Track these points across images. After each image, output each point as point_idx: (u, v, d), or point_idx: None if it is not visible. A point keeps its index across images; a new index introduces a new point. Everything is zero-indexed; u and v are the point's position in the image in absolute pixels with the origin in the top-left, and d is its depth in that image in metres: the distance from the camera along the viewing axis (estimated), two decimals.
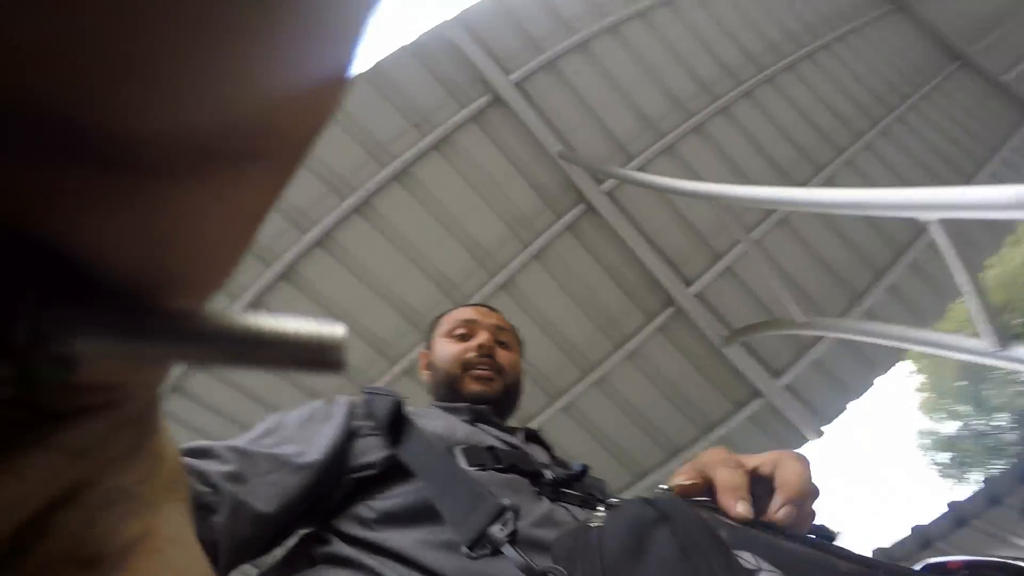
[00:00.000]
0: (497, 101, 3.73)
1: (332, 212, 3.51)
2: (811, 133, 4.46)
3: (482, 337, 1.21)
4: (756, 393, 4.08)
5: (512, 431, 1.09)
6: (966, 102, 5.07)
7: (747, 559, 0.49)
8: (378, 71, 3.47)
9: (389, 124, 3.56)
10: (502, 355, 1.22)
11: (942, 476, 17.60)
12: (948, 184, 4.31)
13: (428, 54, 3.59)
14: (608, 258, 3.93)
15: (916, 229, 4.26)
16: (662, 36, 4.15)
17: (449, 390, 1.17)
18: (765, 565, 0.48)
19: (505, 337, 1.27)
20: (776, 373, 4.07)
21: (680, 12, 4.22)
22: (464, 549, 0.67)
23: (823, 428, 4.13)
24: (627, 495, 4.22)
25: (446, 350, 1.20)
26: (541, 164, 3.83)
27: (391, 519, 0.77)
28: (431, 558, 0.68)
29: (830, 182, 4.38)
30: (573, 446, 4.09)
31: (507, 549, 0.65)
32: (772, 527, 0.55)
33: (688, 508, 0.57)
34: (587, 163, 3.81)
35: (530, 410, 4.02)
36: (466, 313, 1.29)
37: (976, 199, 1.65)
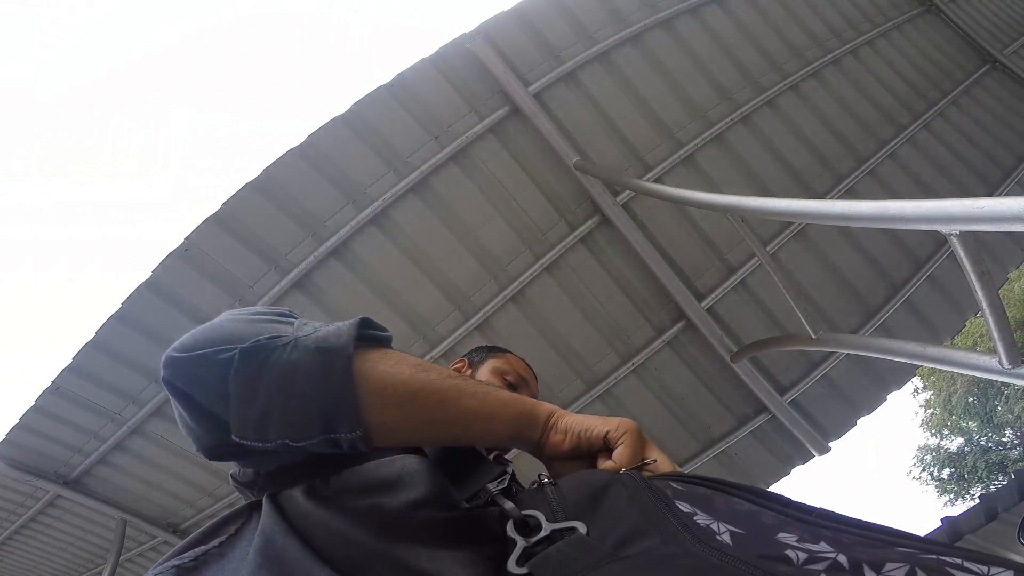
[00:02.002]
0: (515, 112, 3.72)
1: (349, 222, 3.54)
2: (833, 142, 4.39)
3: None
4: (762, 408, 4.10)
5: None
6: (995, 107, 4.94)
7: (686, 507, 0.59)
8: (399, 82, 3.46)
9: (409, 136, 3.58)
10: None
11: (940, 492, 17.63)
12: (973, 194, 4.27)
13: (448, 65, 3.57)
14: (620, 271, 3.94)
15: (937, 241, 4.22)
16: (684, 44, 4.08)
17: None
18: (700, 512, 0.58)
19: None
20: (784, 389, 4.09)
21: (703, 19, 4.14)
22: (464, 504, 0.71)
23: (831, 444, 4.15)
24: None
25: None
26: (557, 175, 3.82)
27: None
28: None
29: (851, 192, 4.32)
30: None
31: (500, 499, 0.70)
32: (720, 486, 0.64)
33: (635, 472, 0.68)
34: (604, 174, 3.79)
35: None
36: (522, 370, 1.39)
37: (1000, 211, 1.59)
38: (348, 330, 0.69)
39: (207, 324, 0.76)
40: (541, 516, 0.62)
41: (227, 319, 0.77)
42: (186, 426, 0.73)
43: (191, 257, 3.41)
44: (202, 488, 4.32)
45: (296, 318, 0.78)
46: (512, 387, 1.31)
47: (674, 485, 0.65)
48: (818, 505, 0.59)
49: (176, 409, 0.73)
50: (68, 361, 3.59)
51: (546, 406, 0.78)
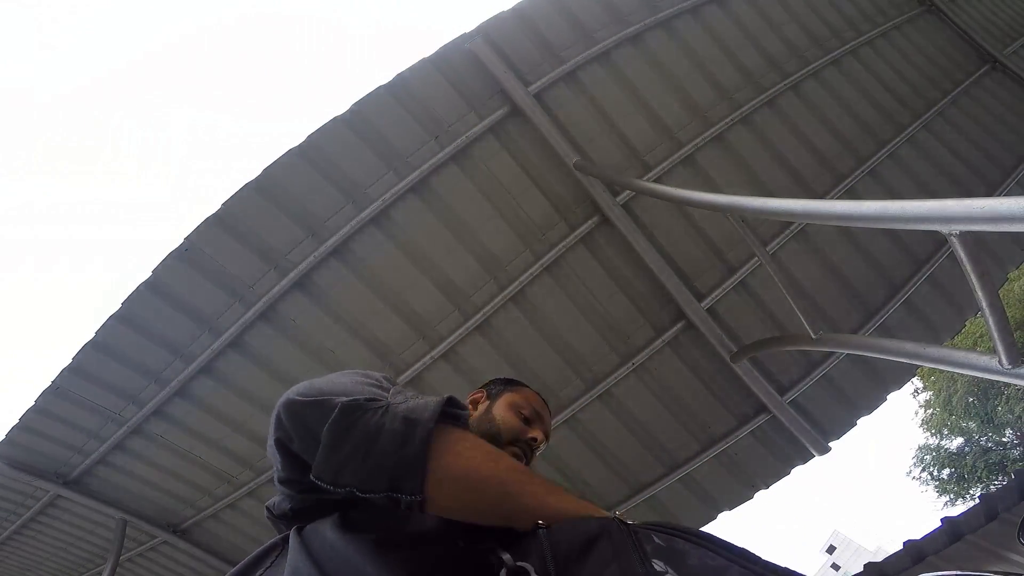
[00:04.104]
0: (515, 112, 3.72)
1: (349, 222, 3.54)
2: (833, 142, 4.39)
3: (538, 433, 1.38)
4: (762, 408, 4.10)
5: None
6: (995, 107, 4.94)
7: (660, 565, 0.67)
8: (399, 82, 3.46)
9: (409, 136, 3.58)
10: (536, 454, 1.40)
11: (940, 492, 17.64)
12: (973, 194, 4.28)
13: (448, 65, 3.57)
14: (620, 271, 3.94)
15: (937, 241, 4.22)
16: (684, 44, 4.08)
17: (486, 440, 1.29)
18: (671, 572, 0.66)
19: (545, 444, 1.44)
20: (784, 389, 4.09)
21: (703, 19, 4.14)
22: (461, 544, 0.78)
23: (831, 444, 4.15)
24: (625, 508, 4.33)
25: (509, 420, 1.37)
26: (557, 175, 3.82)
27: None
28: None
29: (851, 192, 4.33)
30: (573, 459, 4.18)
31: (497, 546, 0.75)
32: (699, 540, 0.72)
33: (623, 526, 0.74)
34: (604, 174, 3.79)
35: None
36: (537, 404, 1.46)
37: (1000, 211, 1.59)
38: (434, 407, 0.80)
39: (324, 377, 0.91)
40: (531, 569, 0.67)
41: (340, 376, 0.92)
42: (274, 455, 0.88)
43: (191, 257, 3.41)
44: (202, 488, 4.33)
45: (393, 385, 0.91)
46: (527, 421, 1.39)
47: (656, 539, 0.71)
48: (786, 565, 0.67)
49: (271, 439, 0.88)
50: (68, 361, 3.59)
51: (603, 512, 0.80)
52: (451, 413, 0.82)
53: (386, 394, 0.84)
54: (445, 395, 0.83)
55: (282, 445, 0.86)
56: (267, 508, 0.93)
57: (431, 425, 0.77)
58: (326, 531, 0.76)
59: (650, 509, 4.44)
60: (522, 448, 1.34)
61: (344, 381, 0.87)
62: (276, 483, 0.89)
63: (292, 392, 0.87)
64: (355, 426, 0.78)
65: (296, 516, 0.86)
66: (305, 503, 0.86)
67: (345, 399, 0.80)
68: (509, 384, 1.51)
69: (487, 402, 1.45)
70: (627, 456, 4.27)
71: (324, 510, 0.81)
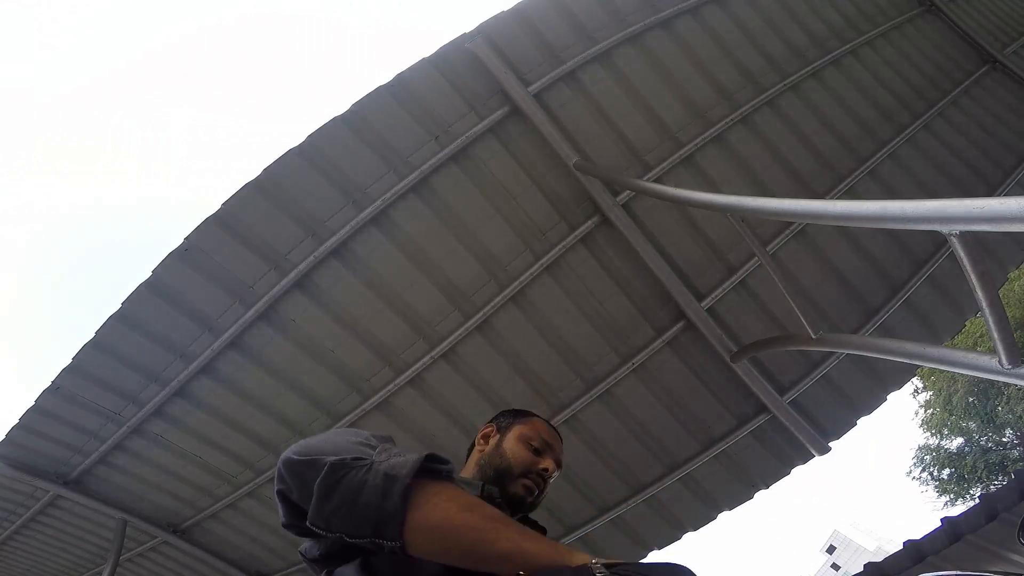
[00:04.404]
0: (515, 112, 3.71)
1: (349, 222, 3.54)
2: (834, 142, 4.39)
3: (549, 464, 1.43)
4: (762, 408, 4.10)
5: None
6: (995, 107, 4.94)
7: None
8: (399, 82, 3.46)
9: (409, 136, 3.57)
10: (549, 483, 1.45)
11: (940, 492, 17.64)
12: (973, 194, 4.27)
13: (448, 65, 3.57)
14: (620, 271, 3.94)
15: (937, 241, 4.22)
16: (684, 44, 4.08)
17: (497, 476, 1.38)
18: None
19: (557, 471, 1.48)
20: (784, 389, 4.09)
21: (703, 19, 4.13)
22: None
23: (831, 444, 4.15)
24: (624, 509, 4.33)
25: (519, 453, 1.43)
26: (557, 175, 3.82)
27: None
28: None
29: (851, 192, 4.33)
30: (573, 459, 4.17)
31: None
32: None
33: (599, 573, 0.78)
34: (604, 174, 3.79)
35: None
36: (547, 434, 1.50)
37: (1000, 211, 1.59)
38: (412, 465, 0.89)
39: (319, 436, 1.02)
40: None
41: (333, 435, 1.02)
42: (277, 504, 0.99)
43: (191, 257, 3.41)
44: (202, 488, 4.33)
45: (383, 443, 1.01)
46: (537, 452, 1.44)
47: None
48: None
49: (274, 489, 0.99)
50: (68, 361, 3.59)
51: (579, 557, 0.84)
52: (430, 468, 0.91)
53: (373, 452, 0.94)
54: (425, 452, 0.92)
55: (283, 495, 0.97)
56: (300, 552, 1.05)
57: (408, 480, 0.86)
58: (351, 574, 0.92)
59: (650, 509, 4.44)
60: (533, 479, 1.39)
61: (336, 441, 0.98)
62: (282, 526, 1.01)
63: (290, 451, 0.97)
64: (341, 482, 0.88)
65: (327, 560, 0.98)
66: (332, 548, 0.96)
67: (334, 458, 0.90)
68: (518, 416, 1.55)
69: (497, 436, 1.50)
70: (627, 456, 4.27)
71: (350, 555, 0.94)
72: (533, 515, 1.44)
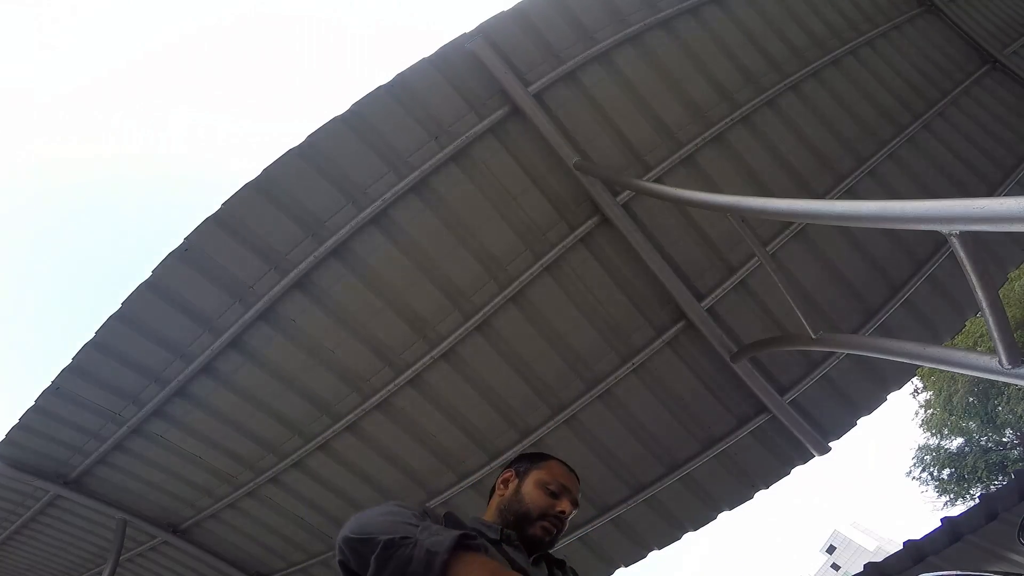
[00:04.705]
0: (515, 112, 3.71)
1: (349, 222, 3.54)
2: (833, 142, 4.38)
3: (566, 506, 1.55)
4: (762, 408, 4.10)
5: (536, 560, 1.47)
6: (995, 107, 4.94)
7: None
8: (399, 83, 3.45)
9: (409, 136, 3.57)
10: (567, 523, 1.57)
11: (940, 492, 17.63)
12: (973, 194, 4.27)
13: (448, 65, 3.56)
14: (620, 271, 3.94)
15: (937, 241, 4.22)
16: (684, 44, 4.07)
17: (516, 519, 1.51)
18: None
19: (575, 509, 1.61)
20: (784, 389, 4.09)
21: (703, 19, 4.13)
22: None
23: (831, 444, 4.16)
24: (624, 509, 4.34)
25: (537, 497, 1.54)
26: (557, 175, 3.82)
27: None
28: None
29: (851, 192, 4.32)
30: (573, 459, 4.15)
31: None
32: None
33: None
34: (604, 174, 3.79)
35: (532, 423, 4.10)
36: (563, 477, 1.62)
37: (1000, 211, 1.59)
38: (450, 542, 1.06)
39: (371, 515, 1.20)
40: None
41: (383, 515, 1.18)
42: (341, 571, 1.18)
43: (191, 257, 3.41)
44: (202, 488, 4.33)
45: (424, 519, 1.18)
46: (554, 495, 1.55)
47: None
48: None
49: (336, 560, 1.18)
50: (68, 361, 3.59)
51: None
52: (464, 544, 1.07)
53: (416, 530, 1.11)
54: (459, 533, 1.09)
55: (344, 566, 1.17)
56: None
57: (446, 556, 1.04)
58: None
59: (650, 509, 4.44)
60: (551, 522, 1.51)
61: (386, 521, 1.15)
62: None
63: (347, 529, 1.17)
64: (392, 558, 1.07)
65: None
66: None
67: (386, 537, 1.09)
68: (535, 461, 1.67)
69: (516, 481, 1.61)
70: (627, 456, 4.27)
71: None
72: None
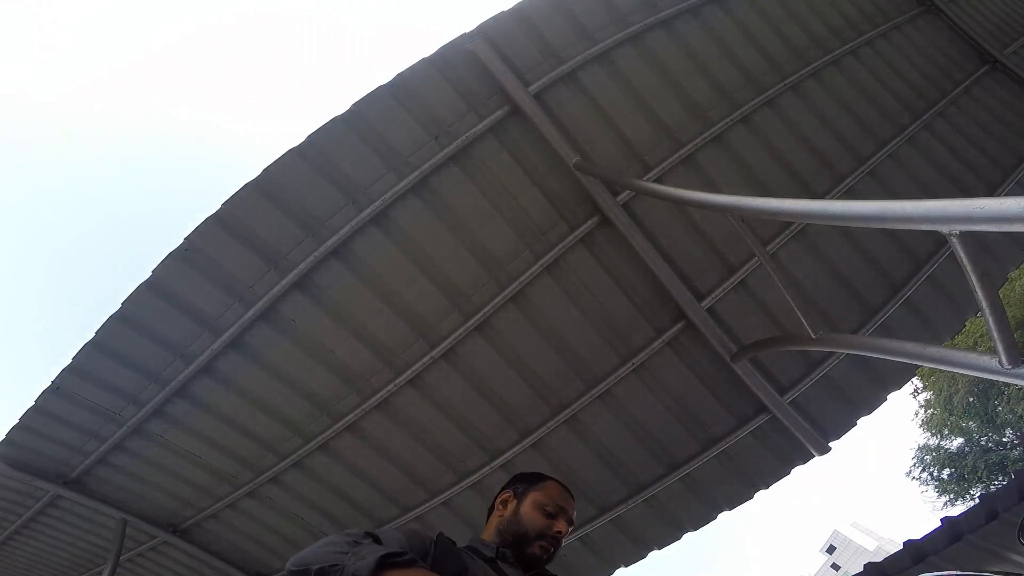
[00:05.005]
0: (515, 112, 3.71)
1: (349, 222, 3.54)
2: (833, 142, 4.38)
3: (563, 526, 1.62)
4: (762, 408, 4.10)
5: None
6: (995, 107, 4.94)
7: None
8: (399, 82, 3.45)
9: (409, 136, 3.57)
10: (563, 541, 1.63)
11: (940, 492, 17.63)
12: (973, 194, 4.28)
13: (448, 65, 3.56)
14: (620, 271, 3.94)
15: (937, 241, 4.22)
16: (684, 44, 4.07)
17: (515, 539, 1.57)
18: None
19: (571, 526, 1.67)
20: (784, 389, 4.09)
21: (703, 19, 4.13)
22: None
23: (831, 444, 4.16)
24: (624, 509, 4.34)
25: (535, 518, 1.61)
26: (557, 175, 3.82)
27: None
28: None
29: (851, 192, 4.32)
30: (573, 459, 4.18)
31: None
32: None
33: None
34: (604, 174, 3.79)
35: (532, 423, 4.10)
36: (559, 498, 1.68)
37: (1000, 211, 1.58)
38: (372, 563, 1.11)
39: (312, 547, 1.24)
40: None
41: (320, 546, 1.23)
42: None
43: (191, 257, 3.41)
44: (202, 488, 4.33)
45: (354, 548, 1.21)
46: (551, 516, 1.61)
47: None
48: None
49: None
50: (68, 361, 3.59)
51: None
52: (389, 563, 1.12)
53: (346, 556, 1.15)
54: (381, 552, 1.14)
55: None
56: None
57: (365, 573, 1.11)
58: None
59: (650, 509, 4.44)
60: (548, 541, 1.57)
61: (320, 551, 1.21)
62: None
63: (290, 562, 1.22)
64: None
65: None
66: None
67: (316, 567, 1.15)
68: (533, 483, 1.72)
69: (515, 502, 1.67)
70: (627, 456, 4.27)
71: None
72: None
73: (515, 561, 1.53)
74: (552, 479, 1.75)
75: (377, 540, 1.29)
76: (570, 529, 1.65)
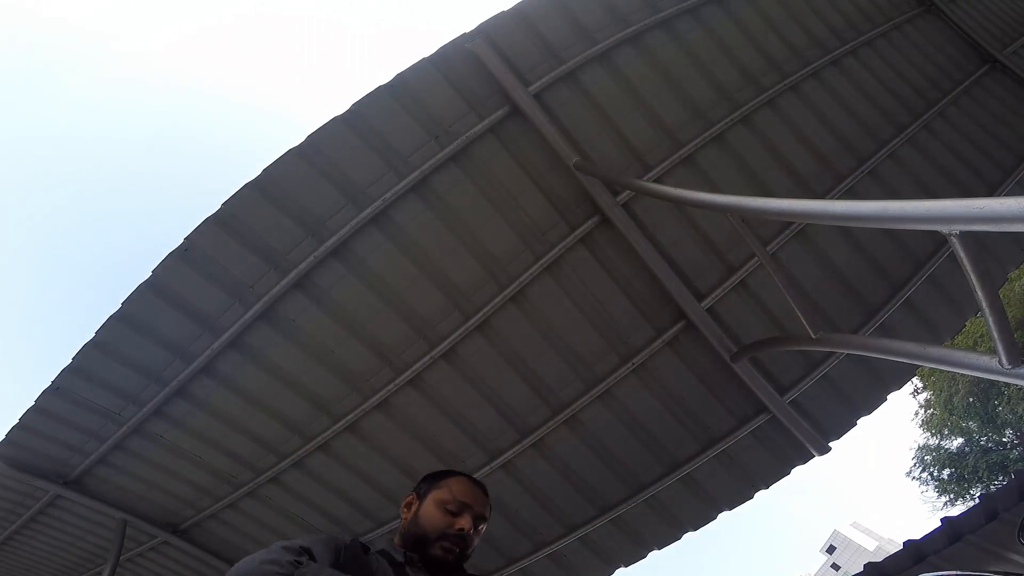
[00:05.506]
0: (515, 112, 3.71)
1: (349, 222, 3.54)
2: (833, 142, 4.38)
3: (466, 523, 1.49)
4: (762, 408, 4.10)
5: None
6: (995, 107, 4.94)
7: None
8: (399, 82, 3.45)
9: (409, 136, 3.57)
10: (472, 540, 1.52)
11: (940, 492, 17.63)
12: (973, 194, 4.28)
13: (448, 65, 3.55)
14: (620, 271, 3.94)
15: (937, 241, 4.22)
16: (684, 44, 4.07)
17: (415, 542, 1.47)
18: None
19: (482, 524, 1.56)
20: (784, 389, 4.09)
21: (703, 19, 4.13)
22: None
23: (831, 444, 4.15)
24: (623, 509, 4.34)
25: (435, 518, 1.50)
26: (557, 175, 3.82)
27: None
28: None
29: (851, 192, 4.32)
30: (573, 459, 4.18)
31: None
32: None
33: None
34: (604, 174, 3.79)
35: (532, 423, 4.10)
36: (462, 494, 1.55)
37: (1000, 211, 1.57)
38: None
39: (249, 562, 1.22)
40: None
41: (259, 563, 1.21)
42: None
43: (191, 257, 3.41)
44: (202, 488, 4.33)
45: (303, 559, 1.24)
46: (453, 515, 1.50)
47: None
48: None
49: None
50: (68, 361, 3.59)
51: None
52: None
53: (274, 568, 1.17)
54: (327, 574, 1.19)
55: None
56: None
57: None
58: None
59: (650, 509, 4.44)
60: (452, 541, 1.46)
61: (254, 569, 1.19)
62: None
63: (229, 573, 1.20)
64: None
65: None
66: None
67: None
68: (435, 480, 1.62)
69: (416, 504, 1.58)
70: (627, 456, 4.27)
71: None
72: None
73: (422, 566, 1.43)
74: (458, 474, 1.64)
75: (312, 556, 1.27)
76: (481, 527, 1.54)
